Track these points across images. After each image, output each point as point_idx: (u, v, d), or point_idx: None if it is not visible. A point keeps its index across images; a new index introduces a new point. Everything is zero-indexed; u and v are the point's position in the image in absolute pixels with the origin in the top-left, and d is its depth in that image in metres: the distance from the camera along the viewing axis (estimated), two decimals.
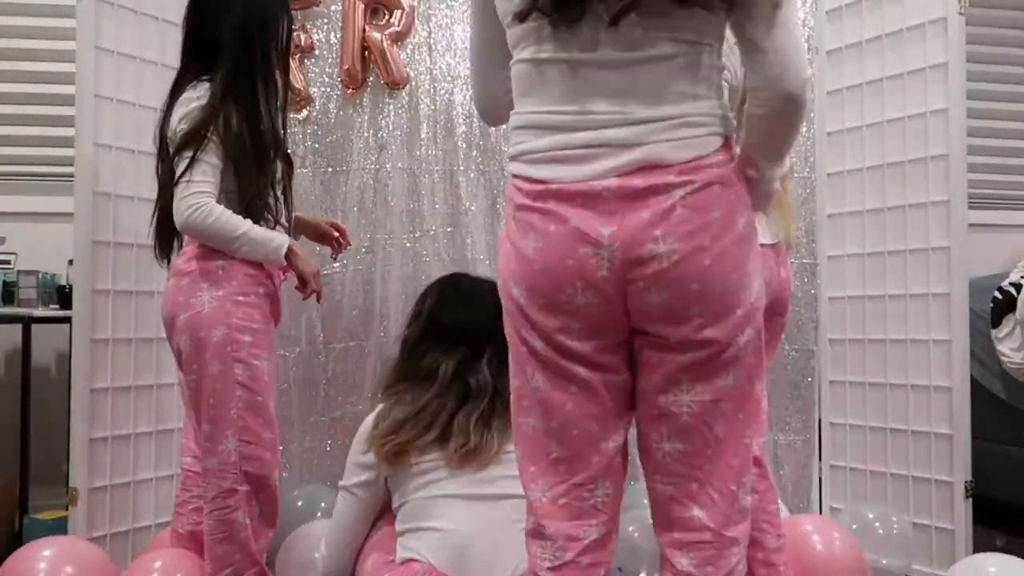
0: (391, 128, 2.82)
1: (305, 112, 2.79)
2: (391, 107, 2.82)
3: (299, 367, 2.77)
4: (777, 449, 2.84)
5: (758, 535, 1.83)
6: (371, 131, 2.81)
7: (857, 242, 2.77)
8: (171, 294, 1.89)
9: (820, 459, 2.85)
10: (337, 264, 2.76)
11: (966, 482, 2.47)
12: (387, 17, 2.81)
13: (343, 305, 2.79)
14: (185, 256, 1.91)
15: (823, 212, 2.86)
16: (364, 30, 2.75)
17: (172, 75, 2.00)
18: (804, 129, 2.88)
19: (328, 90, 2.80)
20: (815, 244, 2.86)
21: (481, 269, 2.80)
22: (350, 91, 2.80)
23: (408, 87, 2.81)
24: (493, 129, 2.83)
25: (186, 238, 1.93)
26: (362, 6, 2.75)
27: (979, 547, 2.50)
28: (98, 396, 2.39)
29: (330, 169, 2.80)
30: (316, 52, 2.79)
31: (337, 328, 2.78)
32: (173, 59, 2.08)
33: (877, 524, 2.46)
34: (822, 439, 2.86)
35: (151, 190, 2.05)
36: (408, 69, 2.81)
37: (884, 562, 2.38)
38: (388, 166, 2.81)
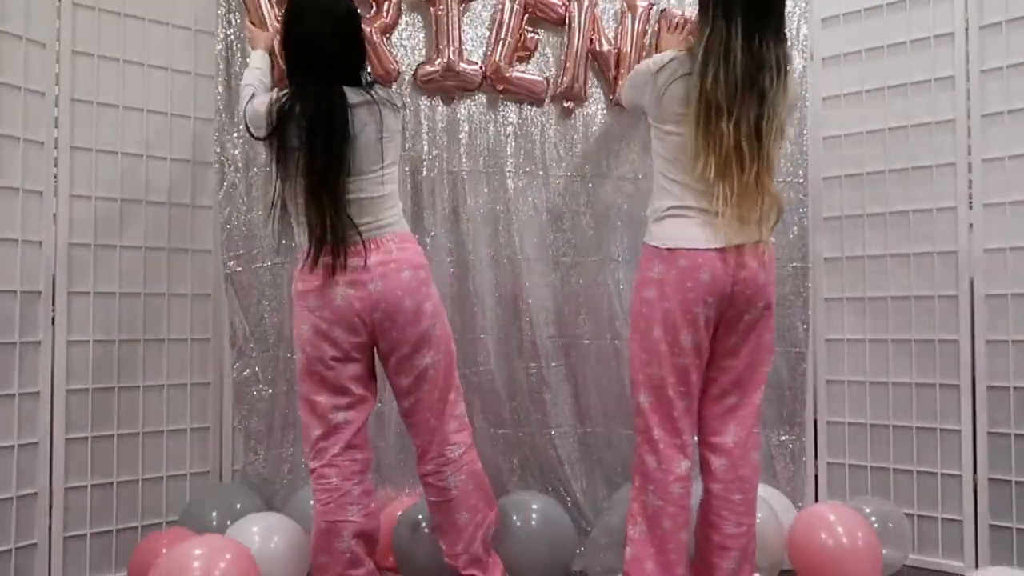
0: None
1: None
2: None
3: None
4: (770, 448, 2.87)
5: (717, 520, 2.03)
6: None
7: (857, 244, 2.85)
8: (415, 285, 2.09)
9: (816, 457, 2.91)
10: None
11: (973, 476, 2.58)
12: (374, 10, 2.73)
13: None
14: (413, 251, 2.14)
15: (818, 216, 2.91)
16: None
17: None
18: (795, 134, 2.93)
19: None
20: (807, 247, 2.90)
21: (481, 268, 2.77)
22: None
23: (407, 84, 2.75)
24: (493, 128, 2.80)
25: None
26: None
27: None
28: None
29: None
30: None
31: None
32: None
33: (873, 517, 2.53)
34: (817, 437, 2.91)
35: None
36: (401, 63, 2.74)
37: (885, 552, 2.44)
38: None
